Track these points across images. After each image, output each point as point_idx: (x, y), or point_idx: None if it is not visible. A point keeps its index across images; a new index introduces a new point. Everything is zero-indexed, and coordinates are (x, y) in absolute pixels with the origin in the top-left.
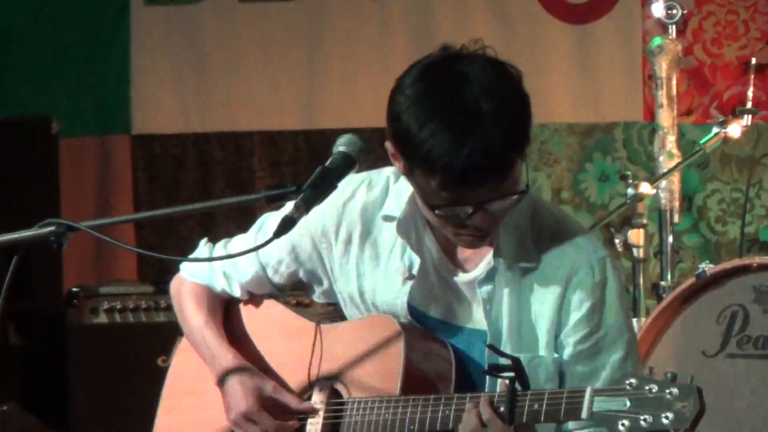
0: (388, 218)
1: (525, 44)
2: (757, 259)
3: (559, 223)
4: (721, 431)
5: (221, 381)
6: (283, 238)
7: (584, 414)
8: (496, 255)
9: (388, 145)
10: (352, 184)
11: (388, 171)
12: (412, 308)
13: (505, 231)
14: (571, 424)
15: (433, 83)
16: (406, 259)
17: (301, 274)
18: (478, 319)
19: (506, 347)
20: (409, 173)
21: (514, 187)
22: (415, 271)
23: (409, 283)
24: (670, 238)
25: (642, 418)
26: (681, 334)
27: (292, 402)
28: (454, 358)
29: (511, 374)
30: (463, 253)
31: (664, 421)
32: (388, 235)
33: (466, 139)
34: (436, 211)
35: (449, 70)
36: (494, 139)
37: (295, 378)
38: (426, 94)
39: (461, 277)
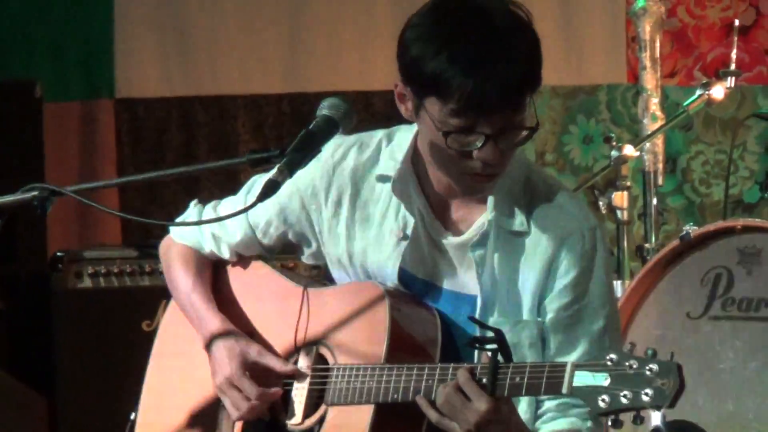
0: (382, 178)
1: None
2: (741, 221)
3: (552, 189)
4: (704, 392)
5: (208, 345)
6: (272, 199)
7: (565, 389)
8: (490, 218)
9: (397, 85)
10: (343, 145)
11: (379, 133)
12: (402, 270)
13: (498, 195)
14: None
15: (449, 12)
16: (401, 219)
17: (290, 235)
18: (464, 283)
19: (494, 311)
20: (419, 108)
21: (524, 123)
22: (409, 231)
23: (403, 243)
24: (654, 200)
25: (622, 394)
26: (665, 296)
27: (276, 365)
28: (440, 323)
29: (494, 346)
30: (455, 214)
31: (644, 398)
32: (381, 196)
33: (484, 64)
34: (448, 139)
35: (462, 3)
36: (512, 67)
37: (281, 341)
38: (442, 21)
39: (450, 240)
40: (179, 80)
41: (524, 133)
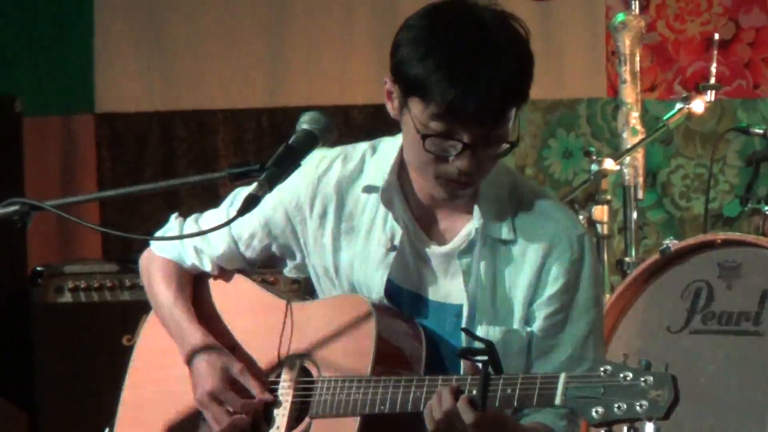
0: (368, 189)
1: None
2: (721, 235)
3: (538, 197)
4: (685, 406)
5: (189, 359)
6: (256, 211)
7: (558, 400)
8: (476, 227)
9: (385, 81)
10: (327, 157)
11: (364, 146)
12: (389, 282)
13: (485, 203)
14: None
15: (443, 19)
16: (388, 230)
17: (274, 248)
18: (448, 293)
19: (482, 320)
20: (403, 106)
21: (504, 137)
22: (397, 242)
23: (392, 254)
24: (635, 214)
25: (616, 405)
26: (646, 310)
27: (255, 389)
28: (424, 338)
29: (484, 358)
30: (440, 225)
31: (638, 409)
32: (367, 207)
33: (470, 73)
34: (426, 141)
35: (461, 11)
36: (498, 80)
37: (264, 355)
38: (435, 27)
39: (434, 250)
40: (159, 95)
41: (504, 146)
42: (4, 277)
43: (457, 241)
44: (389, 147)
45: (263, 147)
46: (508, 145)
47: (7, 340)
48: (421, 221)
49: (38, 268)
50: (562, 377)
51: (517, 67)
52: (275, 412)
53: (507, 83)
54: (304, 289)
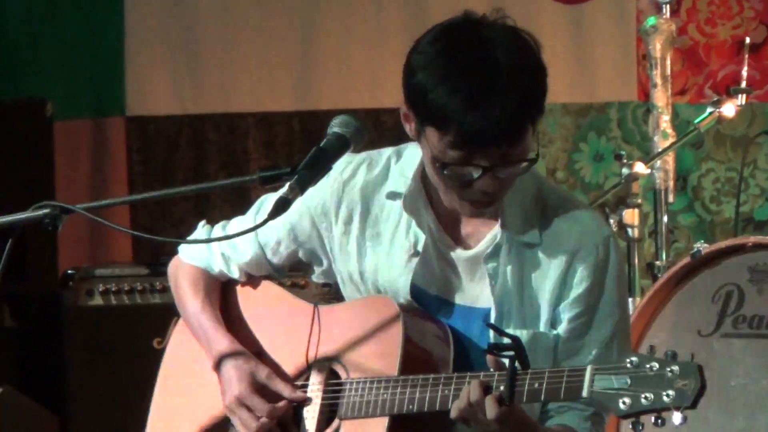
0: (392, 195)
1: (519, 24)
2: (752, 239)
3: (564, 201)
4: (715, 409)
5: (217, 365)
6: (281, 218)
7: (585, 392)
8: (502, 230)
9: (402, 106)
10: (352, 163)
11: (388, 151)
12: (413, 286)
13: (510, 207)
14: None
15: (453, 43)
16: (412, 236)
17: (301, 254)
18: (476, 296)
19: (509, 323)
20: (420, 133)
21: (524, 154)
22: (420, 248)
23: (415, 260)
24: (665, 218)
25: (643, 396)
26: (676, 314)
27: (285, 391)
28: (452, 339)
29: (511, 353)
30: (465, 229)
31: (666, 399)
32: (391, 213)
33: (482, 99)
34: (445, 171)
35: (471, 33)
36: (511, 102)
37: (292, 360)
38: (446, 52)
39: (459, 254)
40: (190, 98)
41: (524, 164)
42: (36, 280)
43: (482, 245)
44: (413, 152)
45: (294, 150)
46: (528, 162)
47: (38, 342)
48: (446, 225)
49: (69, 271)
50: (589, 369)
51: (529, 85)
52: (304, 414)
53: (520, 103)
54: (335, 292)
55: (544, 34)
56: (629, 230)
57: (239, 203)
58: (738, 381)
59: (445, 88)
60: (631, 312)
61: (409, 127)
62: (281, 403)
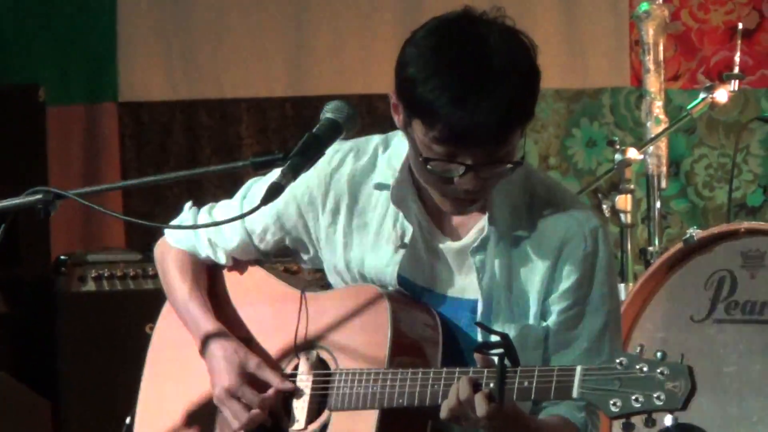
0: (379, 186)
1: (512, 10)
2: (744, 224)
3: (552, 192)
4: (708, 395)
5: (205, 354)
6: (269, 206)
7: (575, 393)
8: (490, 223)
9: (391, 96)
10: (339, 152)
11: (376, 139)
12: (400, 277)
13: (498, 199)
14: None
15: (447, 38)
16: (399, 227)
17: (288, 242)
18: (463, 288)
19: (497, 316)
20: (407, 125)
21: (509, 156)
22: (407, 240)
23: (401, 251)
24: (658, 204)
25: (633, 397)
26: (669, 299)
27: (274, 381)
28: (440, 325)
29: (500, 351)
30: (453, 221)
31: (656, 402)
32: (378, 203)
33: (471, 97)
34: (428, 165)
35: (466, 29)
36: (499, 103)
37: (279, 345)
38: (439, 48)
39: (448, 245)
40: (183, 84)
41: (508, 166)
42: (28, 266)
43: (470, 238)
44: (401, 143)
45: (287, 136)
46: (513, 165)
47: (31, 328)
48: (434, 216)
49: (62, 257)
50: (579, 369)
51: (521, 89)
52: (294, 405)
53: (509, 107)
54: (327, 278)
55: (536, 20)
56: (622, 216)
57: (232, 189)
58: (731, 367)
59: (434, 83)
60: (623, 298)
61: (397, 118)
62: (270, 392)
